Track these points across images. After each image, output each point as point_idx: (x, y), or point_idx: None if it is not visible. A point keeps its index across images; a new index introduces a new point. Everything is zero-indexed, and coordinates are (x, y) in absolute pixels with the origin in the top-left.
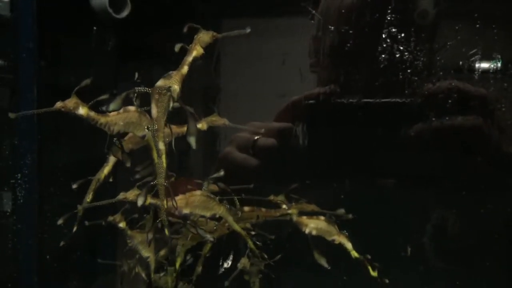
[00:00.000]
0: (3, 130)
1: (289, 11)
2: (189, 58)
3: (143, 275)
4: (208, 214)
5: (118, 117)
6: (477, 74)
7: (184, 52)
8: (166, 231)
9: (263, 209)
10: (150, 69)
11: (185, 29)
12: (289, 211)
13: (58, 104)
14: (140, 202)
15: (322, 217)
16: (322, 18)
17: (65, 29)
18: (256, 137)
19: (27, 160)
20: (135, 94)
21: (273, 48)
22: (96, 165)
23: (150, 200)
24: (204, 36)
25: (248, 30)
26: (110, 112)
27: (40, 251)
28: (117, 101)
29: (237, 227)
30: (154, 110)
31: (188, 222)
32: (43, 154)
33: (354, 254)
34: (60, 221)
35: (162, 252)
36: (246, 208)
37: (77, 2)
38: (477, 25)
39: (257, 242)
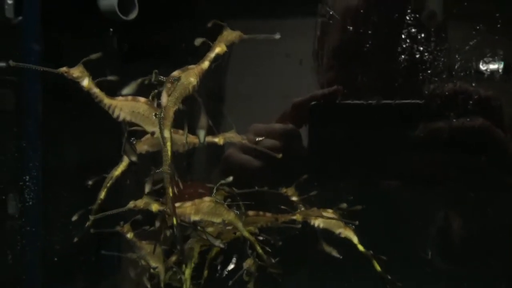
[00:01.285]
0: (8, 132)
1: (294, 11)
2: (212, 54)
3: (149, 286)
4: (217, 220)
5: (124, 103)
6: (486, 75)
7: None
8: (174, 220)
9: (268, 214)
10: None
11: (209, 25)
12: (294, 217)
13: (63, 69)
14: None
15: (330, 210)
16: (330, 18)
17: (70, 30)
18: (259, 139)
19: (36, 162)
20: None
21: (278, 49)
22: (102, 167)
23: (158, 207)
24: (230, 35)
25: (278, 36)
26: (122, 95)
27: (47, 254)
28: (132, 85)
29: (246, 233)
30: (164, 99)
31: (198, 228)
32: (49, 156)
33: (360, 248)
34: (74, 218)
35: (174, 258)
36: (250, 213)
37: (82, 4)
38: (486, 26)
39: (266, 248)
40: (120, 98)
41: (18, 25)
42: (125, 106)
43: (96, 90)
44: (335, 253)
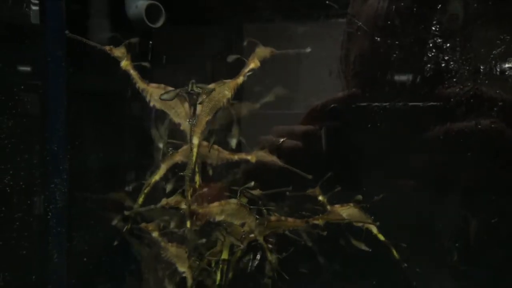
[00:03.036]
0: (36, 136)
1: (314, 17)
2: (246, 70)
3: None
4: (238, 222)
5: (155, 90)
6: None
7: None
8: (188, 224)
9: (290, 219)
10: (176, 76)
11: (245, 43)
12: (316, 222)
13: (107, 47)
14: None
15: (350, 204)
16: (353, 24)
17: (93, 36)
18: (281, 140)
19: (65, 165)
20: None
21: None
22: (125, 171)
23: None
24: (262, 51)
25: (309, 50)
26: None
27: (73, 255)
28: (171, 93)
29: (261, 240)
30: (198, 108)
31: (220, 228)
32: (76, 159)
33: (380, 237)
34: (114, 222)
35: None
36: (272, 218)
37: (106, 10)
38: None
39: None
40: (152, 84)
41: (41, 29)
42: (155, 93)
43: (133, 72)
44: (363, 246)
